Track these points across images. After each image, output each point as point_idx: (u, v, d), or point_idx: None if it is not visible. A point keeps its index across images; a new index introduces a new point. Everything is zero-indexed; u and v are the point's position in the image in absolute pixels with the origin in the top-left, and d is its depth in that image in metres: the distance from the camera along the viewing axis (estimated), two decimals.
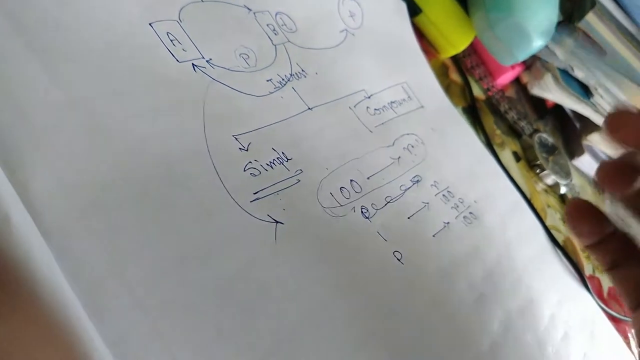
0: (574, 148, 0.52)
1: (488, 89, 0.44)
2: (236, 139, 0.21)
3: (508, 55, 0.38)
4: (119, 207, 0.17)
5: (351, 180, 0.24)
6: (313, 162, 0.23)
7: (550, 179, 0.43)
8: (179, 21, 0.22)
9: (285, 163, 0.22)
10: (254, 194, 0.21)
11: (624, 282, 0.25)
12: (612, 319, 0.35)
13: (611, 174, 0.24)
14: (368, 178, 0.25)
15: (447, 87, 0.40)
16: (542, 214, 0.37)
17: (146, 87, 0.20)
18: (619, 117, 0.22)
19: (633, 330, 0.25)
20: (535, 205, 0.36)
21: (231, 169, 0.20)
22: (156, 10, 0.22)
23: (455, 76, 0.42)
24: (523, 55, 0.38)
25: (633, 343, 0.35)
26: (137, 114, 0.19)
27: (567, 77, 0.47)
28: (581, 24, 0.43)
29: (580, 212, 0.25)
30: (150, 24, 0.21)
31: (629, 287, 0.25)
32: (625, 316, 0.36)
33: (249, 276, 0.19)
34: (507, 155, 0.41)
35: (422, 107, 0.32)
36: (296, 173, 0.22)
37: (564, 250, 0.35)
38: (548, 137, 0.46)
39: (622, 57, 0.44)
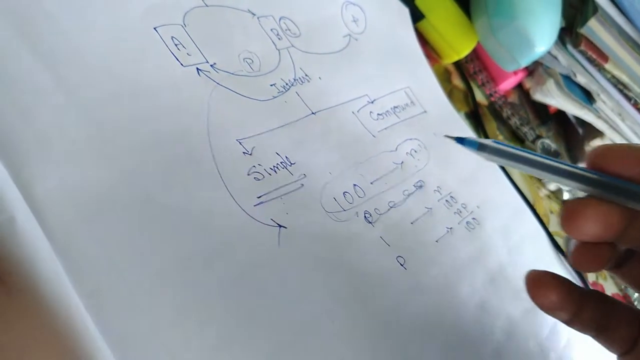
0: (576, 154, 0.52)
1: (491, 95, 0.44)
2: (240, 143, 0.21)
3: (511, 61, 0.38)
4: (122, 209, 0.17)
5: (354, 185, 0.24)
6: (316, 166, 0.23)
7: (553, 185, 0.43)
8: (183, 25, 0.22)
9: (288, 167, 0.22)
10: (258, 197, 0.21)
11: (611, 343, 0.23)
12: None
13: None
14: (371, 183, 0.25)
15: (450, 92, 0.40)
16: (544, 220, 0.37)
17: (151, 91, 0.20)
18: (572, 211, 0.20)
19: None
20: (538, 211, 0.36)
21: (235, 173, 0.20)
22: (161, 15, 0.22)
23: (457, 82, 0.42)
24: (525, 61, 0.38)
25: None
26: (141, 117, 0.19)
27: (569, 83, 0.47)
28: (583, 30, 0.43)
29: (541, 284, 0.22)
30: (155, 29, 0.21)
31: (617, 344, 0.23)
32: None
33: (252, 279, 0.19)
34: None
35: (425, 112, 0.32)
36: (299, 177, 0.22)
37: (567, 257, 0.35)
38: (551, 143, 0.46)
39: (624, 63, 0.44)
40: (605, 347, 0.24)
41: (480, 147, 0.21)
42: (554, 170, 0.20)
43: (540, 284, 0.22)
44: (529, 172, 0.21)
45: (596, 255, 0.21)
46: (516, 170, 0.41)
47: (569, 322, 0.23)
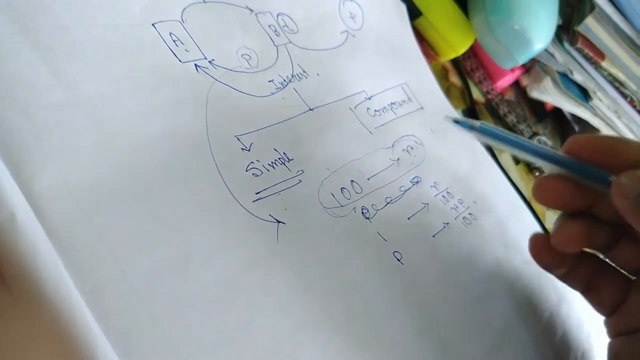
0: None
1: (488, 92, 0.45)
2: (238, 139, 0.22)
3: (508, 59, 0.38)
4: (122, 206, 0.17)
5: (352, 181, 0.24)
6: (314, 162, 0.24)
7: None
8: (181, 22, 0.22)
9: (286, 163, 0.23)
10: (256, 194, 0.21)
11: (598, 302, 0.26)
12: None
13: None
14: (368, 179, 0.25)
15: (447, 90, 0.40)
16: (541, 217, 0.37)
17: (149, 87, 0.20)
18: (540, 182, 0.24)
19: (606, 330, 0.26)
20: (535, 208, 0.36)
21: (233, 169, 0.21)
22: (159, 11, 0.22)
23: (455, 79, 0.42)
24: (523, 59, 0.38)
25: None
26: (140, 113, 0.19)
27: (566, 81, 0.47)
28: (580, 28, 0.44)
29: (541, 247, 0.26)
30: (153, 25, 0.21)
31: (604, 304, 0.26)
32: None
33: (251, 275, 0.19)
34: (506, 158, 0.42)
35: (421, 108, 0.32)
36: (297, 173, 0.23)
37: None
38: (547, 140, 0.46)
39: (621, 61, 0.44)
40: (592, 306, 0.26)
41: (471, 127, 0.24)
42: (532, 151, 0.23)
43: (540, 247, 0.26)
44: (511, 151, 0.24)
45: (572, 232, 0.24)
46: (512, 168, 0.42)
47: (562, 278, 0.26)
